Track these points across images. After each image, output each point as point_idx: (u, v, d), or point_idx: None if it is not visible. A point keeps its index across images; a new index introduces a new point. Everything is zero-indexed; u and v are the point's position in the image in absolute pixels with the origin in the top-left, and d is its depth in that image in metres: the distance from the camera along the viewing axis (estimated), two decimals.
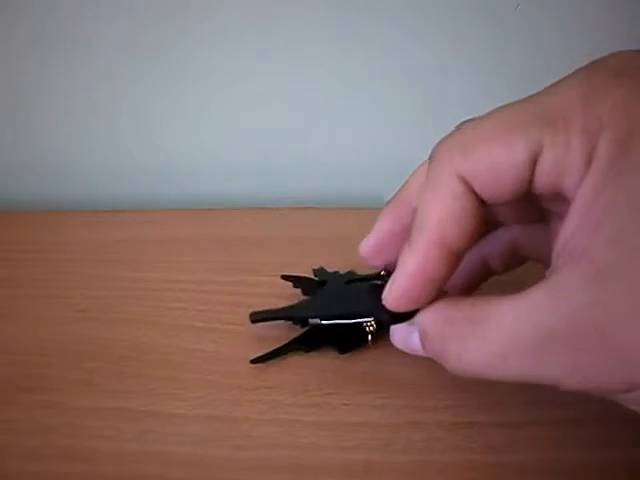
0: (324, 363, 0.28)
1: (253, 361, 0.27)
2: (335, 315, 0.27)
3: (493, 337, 0.19)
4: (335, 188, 0.43)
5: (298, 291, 0.31)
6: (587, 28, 0.38)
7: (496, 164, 0.19)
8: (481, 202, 0.20)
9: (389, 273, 0.29)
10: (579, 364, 0.18)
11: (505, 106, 0.20)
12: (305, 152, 0.43)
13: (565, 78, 0.20)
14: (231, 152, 0.43)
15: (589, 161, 0.18)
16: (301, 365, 0.27)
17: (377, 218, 0.26)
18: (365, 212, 0.40)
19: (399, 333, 0.23)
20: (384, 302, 0.23)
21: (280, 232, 0.38)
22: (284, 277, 0.32)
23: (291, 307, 0.29)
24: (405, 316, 0.23)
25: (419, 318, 0.22)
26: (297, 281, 0.32)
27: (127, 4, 0.38)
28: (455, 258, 0.21)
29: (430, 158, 0.22)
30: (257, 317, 0.28)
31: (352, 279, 0.30)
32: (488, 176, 0.20)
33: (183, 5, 0.38)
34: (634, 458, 0.23)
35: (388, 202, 0.26)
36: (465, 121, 0.24)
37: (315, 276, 0.32)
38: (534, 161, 0.19)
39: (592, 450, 0.23)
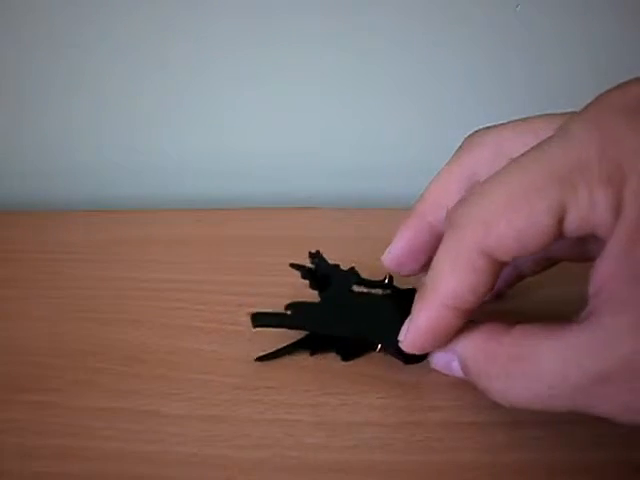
0: (324, 363, 0.28)
1: (258, 359, 0.27)
2: (343, 335, 0.27)
3: (540, 379, 0.19)
4: (335, 188, 0.43)
5: (299, 292, 0.31)
6: (587, 29, 0.38)
7: (521, 235, 0.19)
8: (500, 263, 0.21)
9: (391, 279, 0.29)
10: (633, 403, 0.18)
11: (518, 164, 0.20)
12: (305, 152, 0.43)
13: (573, 121, 0.20)
14: (231, 152, 0.43)
15: (617, 213, 0.18)
16: (301, 365, 0.27)
17: (397, 230, 0.26)
18: (365, 212, 0.40)
19: (440, 361, 0.24)
20: (400, 345, 0.23)
21: (280, 232, 0.38)
22: (292, 265, 0.32)
23: (296, 313, 0.28)
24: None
25: (459, 349, 0.22)
26: (304, 271, 0.31)
27: (129, 7, 0.38)
28: (469, 313, 0.22)
29: (447, 224, 0.21)
30: (259, 322, 0.28)
31: (356, 282, 0.30)
32: (513, 246, 0.20)
33: (184, 8, 0.38)
34: (634, 458, 0.23)
35: (406, 216, 0.26)
36: (476, 132, 0.25)
37: (311, 258, 0.31)
38: (560, 222, 0.19)
39: (592, 450, 0.23)
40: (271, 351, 0.28)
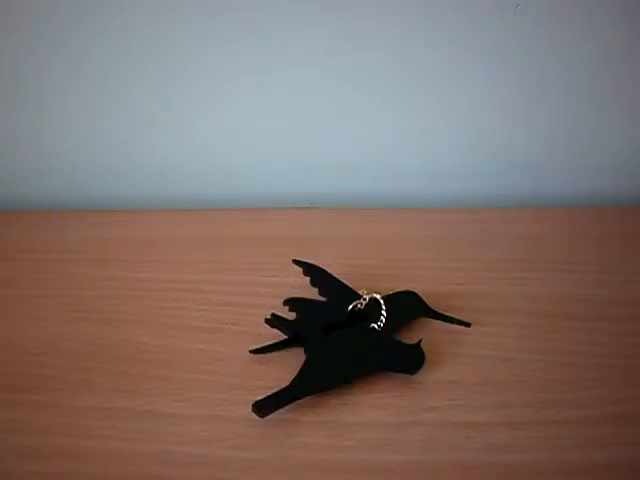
0: None
1: (252, 351, 0.28)
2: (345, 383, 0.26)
3: None
4: (335, 188, 0.43)
5: (299, 292, 0.31)
6: (587, 26, 0.38)
7: None
8: None
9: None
10: None
11: None
12: (305, 152, 0.43)
13: None
14: (231, 153, 0.43)
15: None
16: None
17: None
18: (365, 212, 0.40)
19: None
20: None
21: (280, 232, 0.38)
22: (295, 262, 0.32)
23: (296, 382, 0.26)
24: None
25: None
26: (307, 268, 0.32)
27: (126, 6, 0.38)
28: None
29: None
30: (264, 411, 0.25)
31: (328, 324, 0.28)
32: None
33: (184, 7, 0.38)
34: (634, 458, 0.23)
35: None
36: None
37: (287, 306, 0.30)
38: None
39: (592, 450, 0.23)
40: (265, 345, 0.28)
